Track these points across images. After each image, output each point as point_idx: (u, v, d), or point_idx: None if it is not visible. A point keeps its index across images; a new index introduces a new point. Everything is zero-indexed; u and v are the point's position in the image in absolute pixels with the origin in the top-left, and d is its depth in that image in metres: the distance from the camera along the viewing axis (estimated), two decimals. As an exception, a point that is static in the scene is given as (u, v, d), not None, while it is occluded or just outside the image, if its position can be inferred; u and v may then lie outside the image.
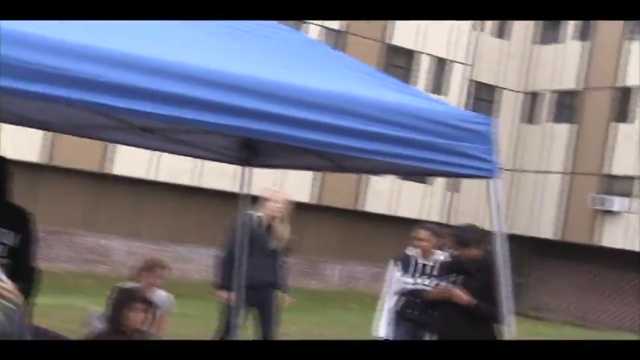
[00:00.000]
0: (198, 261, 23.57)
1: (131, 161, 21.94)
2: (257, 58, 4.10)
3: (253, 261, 7.82)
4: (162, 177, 23.10)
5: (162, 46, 3.56)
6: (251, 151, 5.98)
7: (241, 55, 4.08)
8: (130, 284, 6.31)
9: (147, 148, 6.77)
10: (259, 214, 8.23)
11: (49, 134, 21.49)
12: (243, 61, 3.90)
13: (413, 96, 4.33)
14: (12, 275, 5.16)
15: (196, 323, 13.54)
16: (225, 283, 7.99)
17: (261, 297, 8.15)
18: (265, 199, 8.32)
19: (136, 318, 5.37)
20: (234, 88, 3.46)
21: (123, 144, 6.87)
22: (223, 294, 8.07)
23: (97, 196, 23.04)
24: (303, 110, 3.61)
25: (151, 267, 6.66)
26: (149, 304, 5.60)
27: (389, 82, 4.52)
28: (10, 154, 20.49)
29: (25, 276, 5.28)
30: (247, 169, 6.38)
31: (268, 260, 8.21)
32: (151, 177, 23.06)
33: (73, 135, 6.50)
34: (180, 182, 23.27)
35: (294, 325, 11.45)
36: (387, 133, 3.86)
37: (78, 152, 21.34)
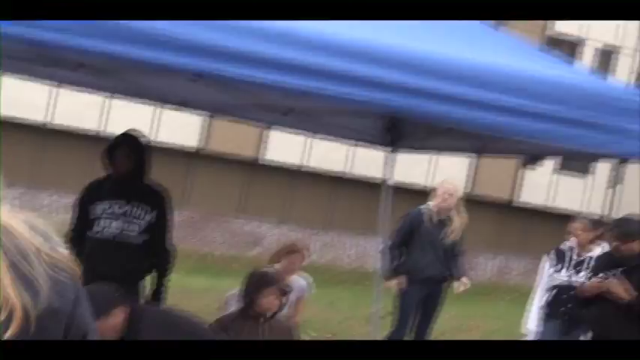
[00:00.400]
0: (348, 248, 23.56)
1: (284, 148, 22.14)
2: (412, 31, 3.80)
3: (422, 255, 7.68)
4: (314, 163, 23.18)
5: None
6: (396, 133, 5.73)
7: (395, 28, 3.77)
8: (266, 268, 6.22)
9: (290, 129, 6.66)
10: (429, 206, 7.99)
11: (207, 122, 22.00)
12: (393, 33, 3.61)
13: (578, 74, 3.94)
14: (147, 253, 5.34)
15: (345, 311, 13.46)
16: (393, 274, 7.81)
17: (428, 292, 7.95)
18: (436, 191, 8.06)
19: (268, 303, 5.24)
20: (381, 61, 3.20)
21: (259, 122, 6.74)
22: (393, 282, 7.86)
23: (250, 183, 23.40)
24: (463, 86, 3.28)
25: (290, 251, 6.55)
26: (283, 289, 5.45)
27: (551, 59, 4.14)
28: (167, 140, 21.09)
29: (159, 254, 5.52)
30: (391, 155, 6.12)
31: (439, 254, 7.94)
32: (304, 163, 23.19)
33: (224, 115, 6.46)
34: (332, 169, 23.27)
35: (446, 314, 11.19)
36: (551, 111, 3.47)
37: (233, 139, 21.71)
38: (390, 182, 6.22)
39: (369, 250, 16.75)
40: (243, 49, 3.06)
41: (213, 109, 6.25)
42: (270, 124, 6.92)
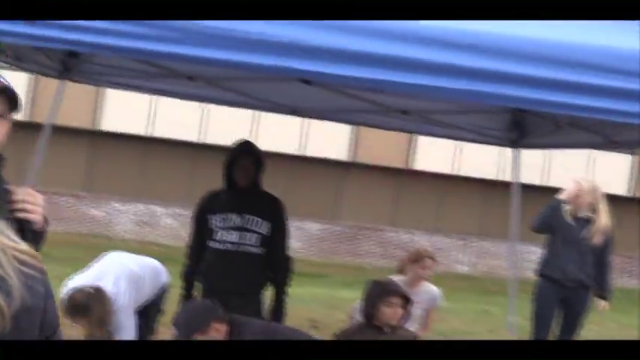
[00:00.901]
0: (505, 257, 22.86)
1: (434, 156, 21.82)
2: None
3: (563, 250, 7.29)
4: (465, 171, 22.71)
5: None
6: (519, 129, 5.41)
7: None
8: (390, 277, 6.01)
9: (400, 131, 6.45)
10: (567, 205, 7.57)
11: (355, 132, 22.02)
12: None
13: None
14: (266, 264, 5.22)
15: (497, 320, 13.05)
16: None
17: (571, 296, 7.48)
18: (572, 189, 7.61)
19: (390, 313, 5.03)
20: (499, 53, 2.95)
21: (374, 127, 6.56)
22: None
23: (401, 192, 23.20)
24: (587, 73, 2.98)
25: (417, 258, 6.29)
26: (406, 299, 5.21)
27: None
28: (317, 152, 21.21)
29: (278, 265, 5.45)
30: (516, 153, 5.80)
31: (583, 255, 7.47)
32: (454, 172, 22.76)
33: (324, 120, 6.36)
34: (484, 176, 22.72)
35: (595, 326, 10.50)
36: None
37: (382, 149, 21.60)
38: (518, 182, 5.89)
39: (528, 257, 16.12)
40: (356, 48, 2.92)
41: (323, 115, 6.14)
42: (372, 126, 6.69)
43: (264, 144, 24.62)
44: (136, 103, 20.21)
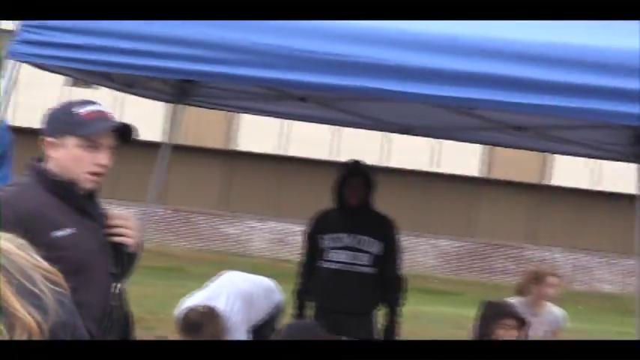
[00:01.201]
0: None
1: (570, 171, 21.16)
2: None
3: None
4: (605, 186, 21.92)
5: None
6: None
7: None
8: (512, 298, 5.82)
9: (519, 148, 6.25)
10: None
11: (488, 148, 21.65)
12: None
13: None
14: (378, 284, 5.20)
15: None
16: None
17: None
18: None
19: (504, 336, 4.86)
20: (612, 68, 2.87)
21: (495, 145, 6.41)
22: None
23: (537, 208, 22.61)
24: None
25: (539, 277, 6.04)
26: (522, 322, 5.04)
27: None
28: (450, 169, 20.90)
29: (391, 285, 5.41)
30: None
31: None
32: (593, 187, 22.01)
33: (447, 139, 6.24)
34: (621, 190, 21.83)
35: None
36: None
37: (516, 164, 21.15)
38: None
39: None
40: (467, 68, 2.91)
41: (441, 133, 6.04)
42: (500, 144, 6.52)
43: (396, 161, 24.65)
44: (269, 122, 20.59)
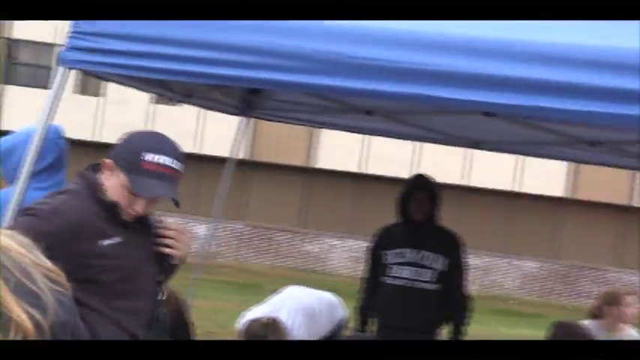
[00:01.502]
0: None
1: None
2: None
3: None
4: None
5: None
6: None
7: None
8: (584, 321, 5.59)
9: (594, 164, 6.04)
10: None
11: (573, 168, 21.15)
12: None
13: None
14: (442, 301, 5.11)
15: None
16: None
17: None
18: None
19: None
20: None
21: (566, 160, 6.18)
22: None
23: (625, 230, 21.96)
24: None
25: (613, 299, 5.78)
26: None
27: None
28: (534, 189, 20.49)
29: (455, 302, 5.27)
30: None
31: None
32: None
33: (503, 152, 6.06)
34: None
35: None
36: None
37: (603, 184, 20.62)
38: None
39: None
40: (540, 77, 2.83)
41: (509, 148, 5.87)
42: (572, 160, 6.30)
43: (478, 180, 24.32)
44: (349, 140, 20.56)
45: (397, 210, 5.32)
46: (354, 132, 6.71)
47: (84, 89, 23.36)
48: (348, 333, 5.61)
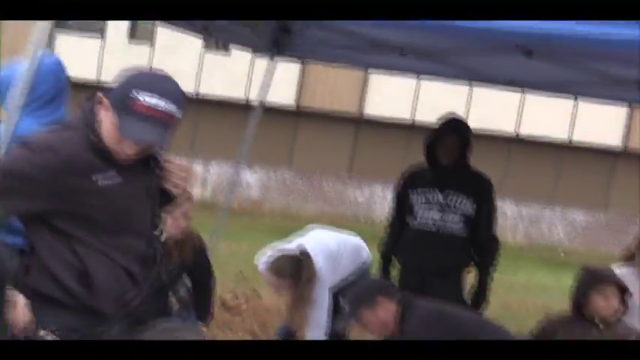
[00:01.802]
0: None
1: None
2: None
3: None
4: None
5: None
6: None
7: None
8: (616, 266, 5.47)
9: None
10: None
11: (628, 118, 20.72)
12: None
13: None
14: (468, 244, 5.05)
15: None
16: None
17: None
18: None
19: (603, 305, 4.59)
20: None
21: (593, 100, 5.99)
22: None
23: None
24: None
25: None
26: (622, 289, 4.69)
27: None
28: (587, 138, 20.06)
29: (483, 246, 5.21)
30: None
31: None
32: None
33: (541, 91, 5.92)
34: None
35: None
36: None
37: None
38: None
39: None
40: None
41: (540, 87, 5.75)
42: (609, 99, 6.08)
43: (530, 129, 23.98)
44: (399, 88, 20.42)
45: (425, 153, 5.25)
46: (387, 69, 6.63)
47: (133, 35, 23.54)
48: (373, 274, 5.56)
